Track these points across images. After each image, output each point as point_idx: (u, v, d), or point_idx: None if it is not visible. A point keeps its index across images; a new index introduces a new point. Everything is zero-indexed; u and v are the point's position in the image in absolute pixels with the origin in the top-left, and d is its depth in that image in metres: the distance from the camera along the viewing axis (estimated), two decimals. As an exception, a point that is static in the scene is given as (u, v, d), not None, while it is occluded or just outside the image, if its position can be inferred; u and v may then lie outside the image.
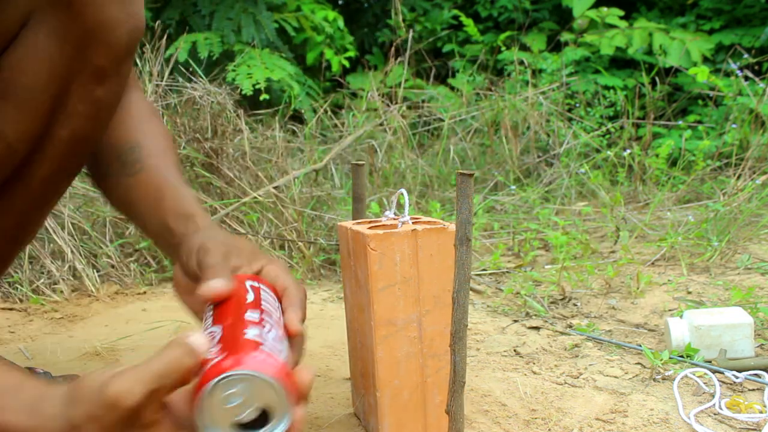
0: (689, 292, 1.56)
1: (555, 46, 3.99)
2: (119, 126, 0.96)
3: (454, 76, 3.91)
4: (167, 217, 0.87)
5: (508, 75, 3.62)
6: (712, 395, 1.02)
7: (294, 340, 0.73)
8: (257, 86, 2.92)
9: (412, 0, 4.46)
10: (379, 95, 3.01)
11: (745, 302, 1.40)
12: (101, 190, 1.00)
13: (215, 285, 0.72)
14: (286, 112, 2.84)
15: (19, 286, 1.66)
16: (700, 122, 3.27)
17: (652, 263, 1.83)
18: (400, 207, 0.92)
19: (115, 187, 0.96)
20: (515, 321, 1.43)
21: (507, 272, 1.80)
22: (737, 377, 1.08)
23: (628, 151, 2.75)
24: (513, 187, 2.57)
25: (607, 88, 3.56)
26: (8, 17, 0.78)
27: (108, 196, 1.00)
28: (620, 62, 3.95)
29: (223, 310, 0.69)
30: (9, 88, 0.79)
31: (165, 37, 2.38)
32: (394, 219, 0.90)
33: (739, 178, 2.49)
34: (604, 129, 3.08)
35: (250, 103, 3.02)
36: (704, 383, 1.07)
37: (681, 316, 1.24)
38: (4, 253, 0.90)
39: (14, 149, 0.81)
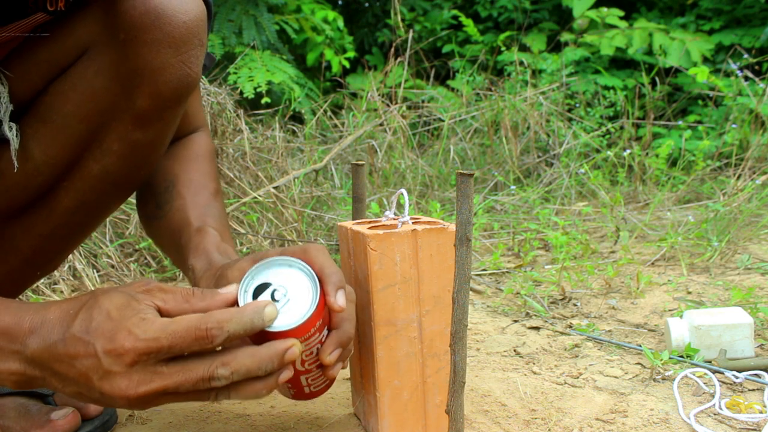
0: (689, 292, 1.56)
1: (555, 46, 3.99)
2: (165, 162, 0.97)
3: (453, 76, 3.91)
4: (188, 259, 0.87)
5: (508, 75, 3.62)
6: (712, 395, 1.02)
7: (338, 317, 0.77)
8: (259, 89, 2.92)
9: (411, 0, 4.46)
10: (379, 95, 3.01)
11: (745, 302, 1.40)
12: (145, 229, 1.03)
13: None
14: (286, 113, 2.85)
15: (19, 287, 1.66)
16: (700, 122, 3.27)
17: (652, 263, 1.83)
18: (400, 207, 0.92)
19: (153, 230, 0.98)
20: (515, 321, 1.43)
21: (507, 272, 1.80)
22: (737, 377, 1.08)
23: (628, 151, 2.75)
24: (513, 187, 2.57)
25: (607, 88, 3.56)
26: (66, 48, 0.81)
27: (151, 237, 1.02)
28: (620, 62, 3.95)
29: None
30: (49, 113, 0.81)
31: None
32: (394, 219, 0.90)
33: (739, 178, 2.49)
34: (604, 129, 3.08)
35: (251, 103, 3.02)
36: (704, 383, 1.07)
37: (681, 316, 1.24)
38: (19, 274, 0.91)
39: (40, 171, 0.83)
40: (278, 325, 0.70)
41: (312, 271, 0.74)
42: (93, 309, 0.65)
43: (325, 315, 0.75)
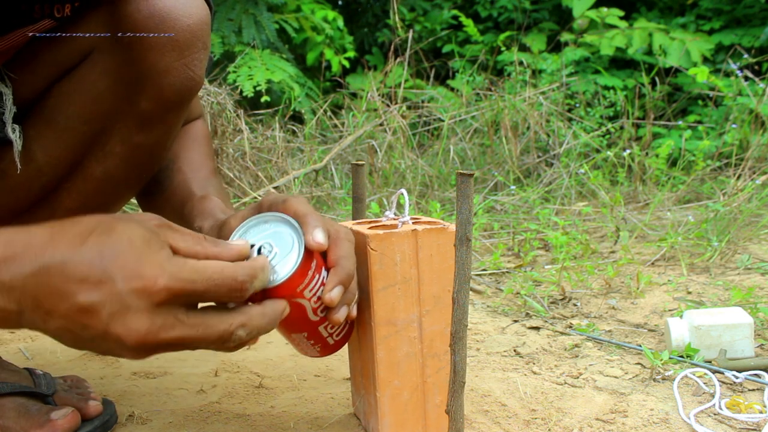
0: (689, 292, 1.56)
1: (555, 46, 3.99)
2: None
3: (453, 76, 3.91)
4: (194, 222, 0.87)
5: (508, 75, 3.62)
6: (712, 395, 1.02)
7: (334, 256, 0.76)
8: (258, 88, 2.92)
9: (411, 0, 4.46)
10: (379, 95, 3.01)
11: (745, 302, 1.40)
12: (141, 205, 1.03)
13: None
14: (285, 112, 2.85)
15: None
16: (700, 122, 3.27)
17: (652, 263, 1.83)
18: (400, 207, 0.92)
19: (152, 205, 0.98)
20: (515, 321, 1.43)
21: (507, 272, 1.80)
22: (737, 377, 1.08)
23: (628, 151, 2.75)
24: (513, 187, 2.57)
25: (607, 88, 3.56)
26: (70, 51, 0.82)
27: (144, 210, 1.02)
28: (620, 62, 3.95)
29: None
30: (53, 114, 0.82)
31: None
32: (394, 219, 0.90)
33: (739, 178, 2.49)
34: (604, 129, 3.08)
35: (250, 103, 3.02)
36: (704, 383, 1.07)
37: (681, 316, 1.24)
38: None
39: (42, 173, 0.83)
40: (274, 279, 0.70)
41: (291, 219, 0.74)
42: (108, 235, 0.57)
43: (318, 258, 0.75)
